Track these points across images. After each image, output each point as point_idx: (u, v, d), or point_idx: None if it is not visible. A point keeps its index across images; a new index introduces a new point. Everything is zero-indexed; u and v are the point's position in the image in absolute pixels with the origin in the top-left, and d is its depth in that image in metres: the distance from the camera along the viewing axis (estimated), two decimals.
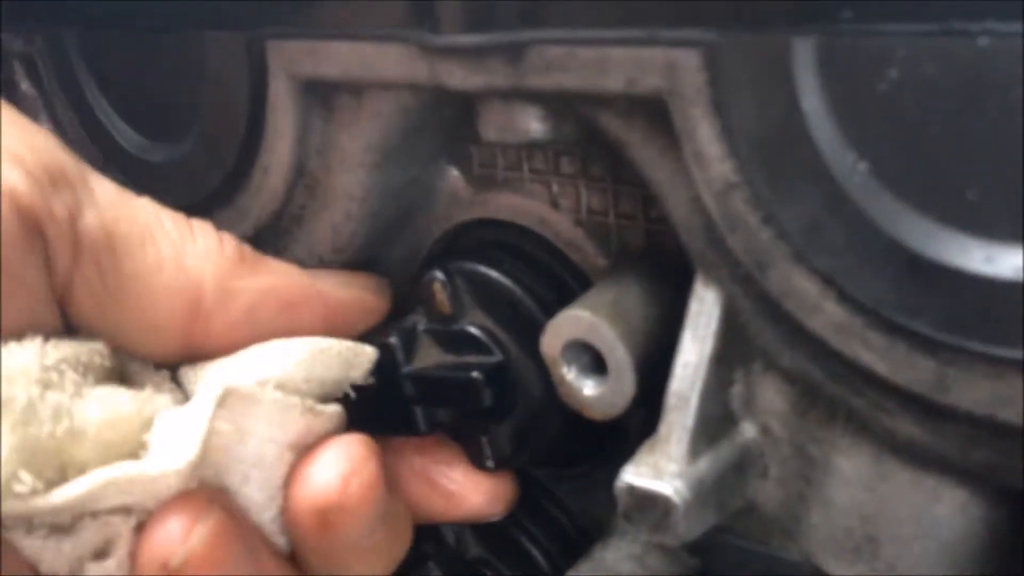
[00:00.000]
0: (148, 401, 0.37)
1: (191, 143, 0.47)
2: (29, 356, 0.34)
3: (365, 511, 0.39)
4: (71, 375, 0.35)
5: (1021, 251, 0.28)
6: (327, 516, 0.39)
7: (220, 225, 0.49)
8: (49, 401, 0.34)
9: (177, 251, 0.40)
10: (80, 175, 0.38)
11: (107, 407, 0.36)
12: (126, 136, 0.50)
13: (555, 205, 0.46)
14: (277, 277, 0.43)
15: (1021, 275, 0.28)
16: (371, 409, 0.43)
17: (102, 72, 0.50)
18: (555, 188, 0.45)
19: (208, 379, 0.41)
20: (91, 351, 0.37)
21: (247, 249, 0.43)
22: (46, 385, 0.34)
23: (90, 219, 0.38)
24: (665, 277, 0.41)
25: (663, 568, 0.45)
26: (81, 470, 0.34)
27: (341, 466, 0.39)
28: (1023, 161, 0.27)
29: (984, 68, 0.27)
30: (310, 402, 0.40)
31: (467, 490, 0.46)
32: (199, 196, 0.48)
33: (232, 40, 0.43)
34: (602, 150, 0.42)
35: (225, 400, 0.37)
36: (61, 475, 0.34)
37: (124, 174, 0.49)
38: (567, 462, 0.50)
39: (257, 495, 0.39)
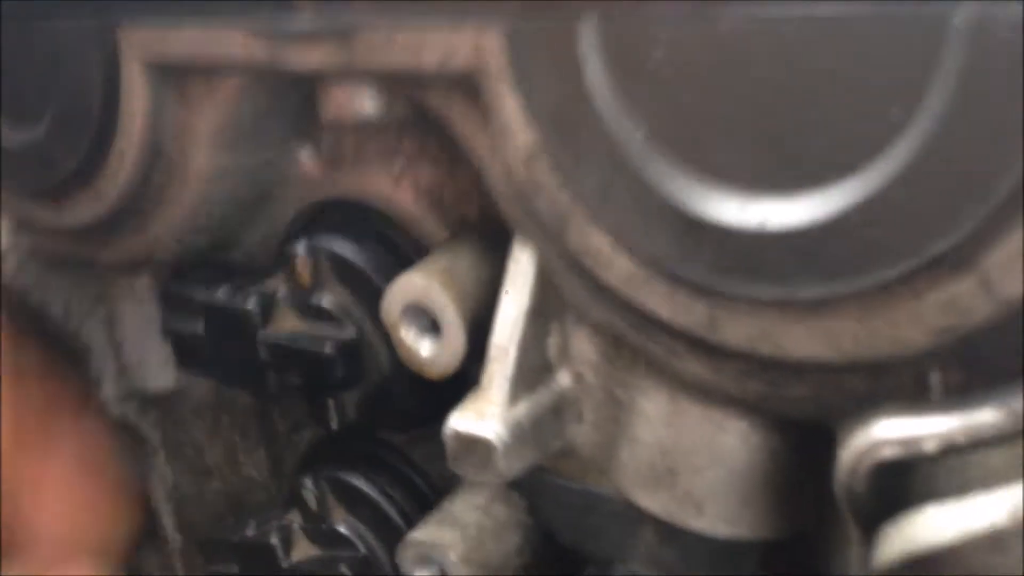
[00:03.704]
0: None
1: (46, 128, 0.49)
2: None
3: None
4: None
5: (761, 202, 0.32)
6: None
7: (79, 206, 0.51)
8: None
9: None
10: None
11: None
12: None
13: (398, 183, 0.49)
14: None
15: (764, 224, 0.32)
16: (225, 365, 0.46)
17: None
18: (397, 167, 0.49)
19: None
20: None
21: None
22: None
23: None
24: (496, 244, 0.45)
25: (506, 515, 0.49)
26: None
27: None
28: (760, 126, 0.31)
29: (730, 47, 0.31)
30: None
31: None
32: (56, 179, 0.50)
33: (84, 26, 0.45)
34: (438, 129, 0.46)
35: None
36: None
37: None
38: (420, 425, 0.53)
39: None
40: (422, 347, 0.44)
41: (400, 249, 0.49)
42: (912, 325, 0.31)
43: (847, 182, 0.30)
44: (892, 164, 0.29)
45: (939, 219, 0.29)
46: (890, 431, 0.32)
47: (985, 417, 0.31)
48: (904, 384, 0.32)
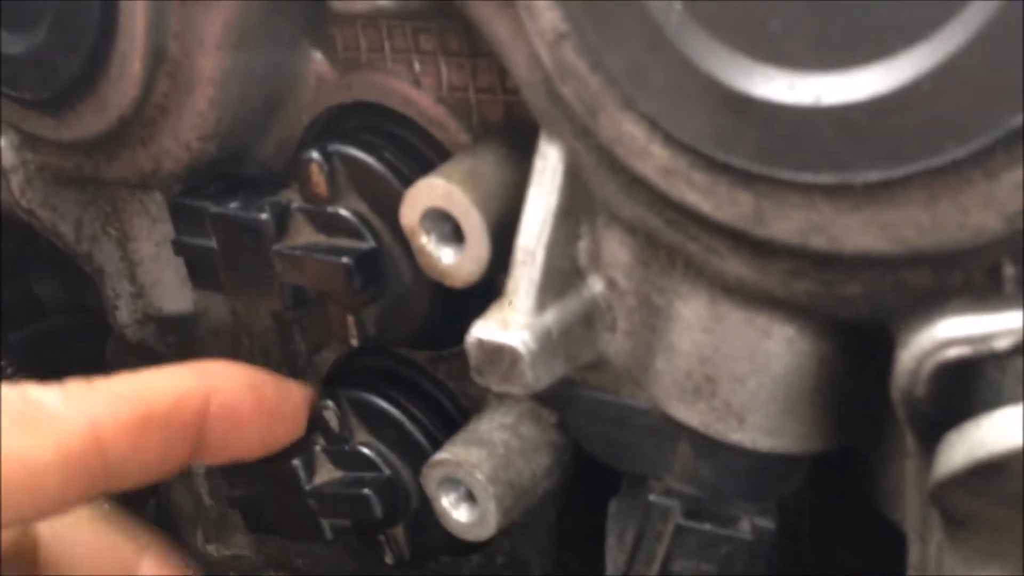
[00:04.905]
0: None
1: (45, 32, 0.46)
2: None
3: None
4: None
5: (817, 78, 0.29)
6: None
7: (83, 117, 0.49)
8: None
9: None
10: None
11: None
12: None
13: (417, 84, 0.46)
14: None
15: (818, 100, 0.29)
16: (239, 279, 0.44)
17: None
18: (416, 66, 0.46)
19: None
20: None
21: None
22: None
23: None
24: (521, 146, 0.42)
25: (534, 435, 0.47)
26: None
27: None
28: None
29: None
30: None
31: None
32: (59, 86, 0.47)
33: None
34: (459, 24, 0.43)
35: None
36: None
37: None
38: (444, 341, 0.51)
39: None
40: (443, 254, 0.41)
41: (421, 153, 0.46)
42: (984, 210, 0.28)
43: (915, 49, 0.27)
44: (967, 26, 0.26)
45: (1019, 88, 0.26)
46: (958, 328, 0.29)
47: None
48: (973, 278, 0.29)
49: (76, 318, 0.73)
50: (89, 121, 0.49)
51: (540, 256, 0.37)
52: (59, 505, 0.38)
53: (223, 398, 0.44)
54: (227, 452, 0.46)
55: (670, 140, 0.33)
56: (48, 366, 0.66)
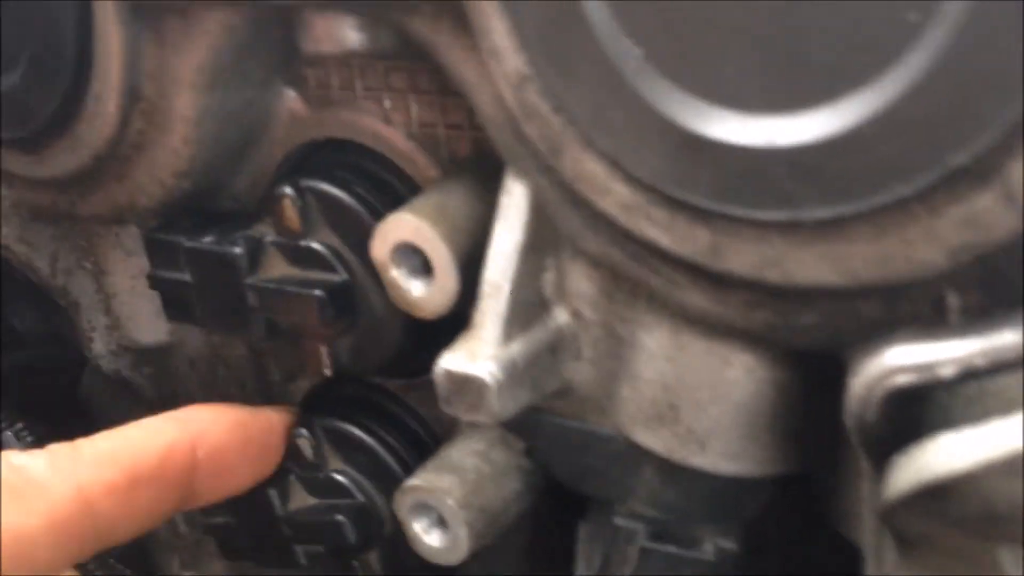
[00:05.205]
0: None
1: (20, 73, 0.47)
2: None
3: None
4: None
5: (766, 118, 0.30)
6: None
7: (58, 155, 0.50)
8: None
9: None
10: None
11: None
12: None
13: (388, 120, 0.47)
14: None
15: (771, 142, 0.30)
16: (212, 309, 0.45)
17: None
18: (387, 103, 0.47)
19: None
20: None
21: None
22: None
23: None
24: (488, 180, 0.43)
25: (505, 461, 0.48)
26: None
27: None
28: (767, 36, 0.29)
29: None
30: None
31: None
32: (35, 126, 0.48)
33: None
34: (428, 63, 0.44)
35: None
36: None
37: None
38: (415, 370, 0.52)
39: None
40: (413, 287, 0.42)
41: (391, 187, 0.47)
42: (929, 244, 0.29)
43: (861, 94, 0.28)
44: (910, 72, 0.28)
45: (960, 128, 0.27)
46: (905, 357, 0.31)
47: (1006, 339, 0.29)
48: (919, 308, 0.31)
49: (52, 348, 0.73)
50: (64, 159, 0.50)
51: (506, 289, 0.38)
52: (50, 570, 0.38)
53: (210, 444, 0.45)
54: (217, 493, 0.46)
55: (630, 178, 0.34)
56: (24, 396, 0.66)
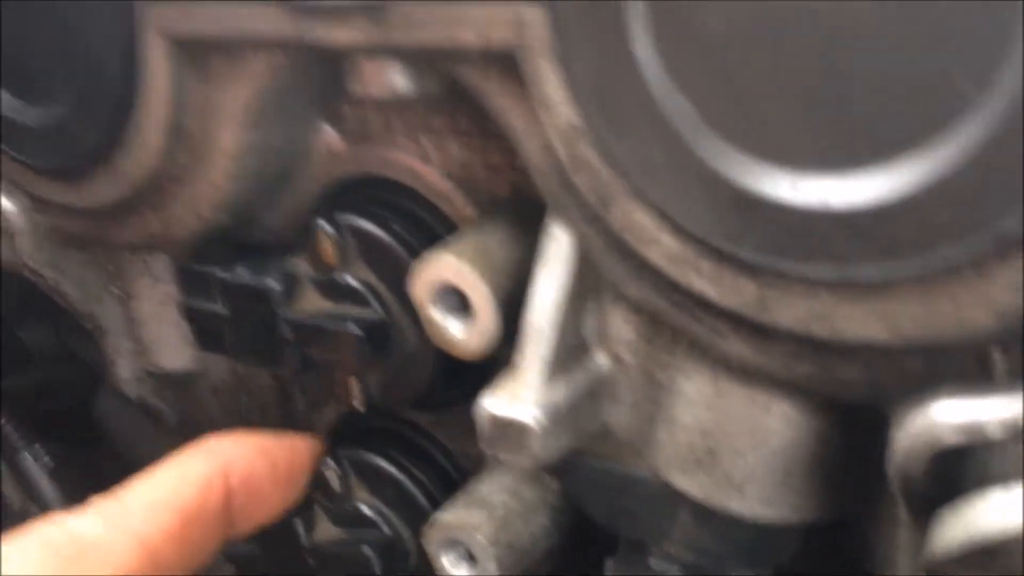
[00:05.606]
0: None
1: (66, 105, 0.48)
2: None
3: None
4: None
5: (819, 179, 0.31)
6: None
7: (98, 186, 0.50)
8: None
9: None
10: None
11: None
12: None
13: (426, 159, 0.48)
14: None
15: (821, 201, 0.31)
16: (246, 345, 0.45)
17: None
18: (425, 142, 0.48)
19: None
20: None
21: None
22: None
23: None
24: (528, 222, 0.44)
25: (534, 497, 0.48)
26: None
27: None
28: (822, 99, 0.30)
29: (788, 13, 0.30)
30: None
31: None
32: (76, 158, 0.49)
33: (104, 0, 0.44)
34: (469, 105, 0.44)
35: None
36: None
37: None
38: (445, 405, 0.53)
39: None
40: (452, 327, 0.43)
41: (428, 226, 0.48)
42: (977, 306, 0.30)
43: (917, 160, 0.29)
44: (965, 140, 0.28)
45: (1012, 195, 0.28)
46: (951, 413, 0.31)
47: None
48: (965, 366, 0.31)
49: (64, 368, 0.73)
50: (104, 190, 0.50)
51: (550, 334, 0.39)
52: None
53: (239, 471, 0.45)
54: (253, 521, 0.47)
55: (678, 230, 0.35)
56: (36, 415, 0.67)
